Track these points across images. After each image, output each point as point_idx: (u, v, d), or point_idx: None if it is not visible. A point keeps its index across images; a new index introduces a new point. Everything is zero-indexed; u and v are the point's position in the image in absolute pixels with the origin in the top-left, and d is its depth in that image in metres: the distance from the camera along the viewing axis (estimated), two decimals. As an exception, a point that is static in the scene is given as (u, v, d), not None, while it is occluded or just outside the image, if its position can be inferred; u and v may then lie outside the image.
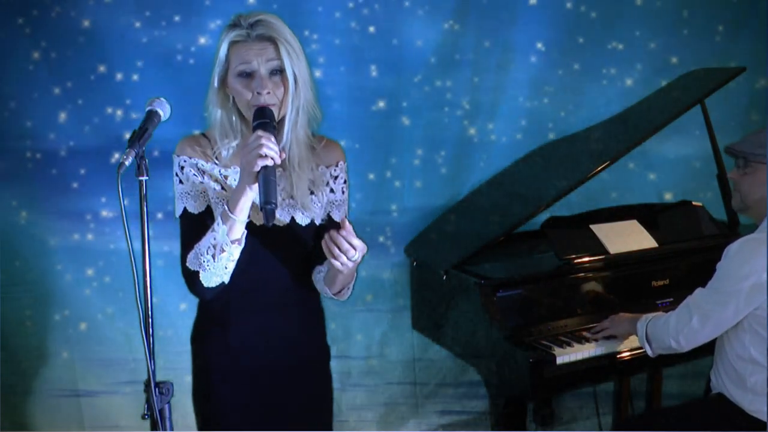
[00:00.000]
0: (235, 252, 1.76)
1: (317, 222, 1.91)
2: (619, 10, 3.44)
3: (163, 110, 1.66)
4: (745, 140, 2.36)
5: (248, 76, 1.76)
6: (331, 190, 1.94)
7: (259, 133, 1.67)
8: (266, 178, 1.65)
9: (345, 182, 1.96)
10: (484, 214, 3.00)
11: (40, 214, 3.28)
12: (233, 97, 1.82)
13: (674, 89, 3.15)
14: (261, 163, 1.64)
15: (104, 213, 3.28)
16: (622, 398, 3.21)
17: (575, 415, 3.58)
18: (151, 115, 1.64)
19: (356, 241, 1.67)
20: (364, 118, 3.38)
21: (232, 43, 1.77)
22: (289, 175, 1.86)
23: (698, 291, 2.29)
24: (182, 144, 1.87)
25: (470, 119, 3.42)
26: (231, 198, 1.73)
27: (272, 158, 1.65)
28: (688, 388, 3.46)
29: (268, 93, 1.75)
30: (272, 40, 1.76)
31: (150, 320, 1.58)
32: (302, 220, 1.88)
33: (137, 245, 1.56)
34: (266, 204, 1.63)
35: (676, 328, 2.27)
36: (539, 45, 3.42)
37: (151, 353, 1.57)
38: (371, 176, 3.41)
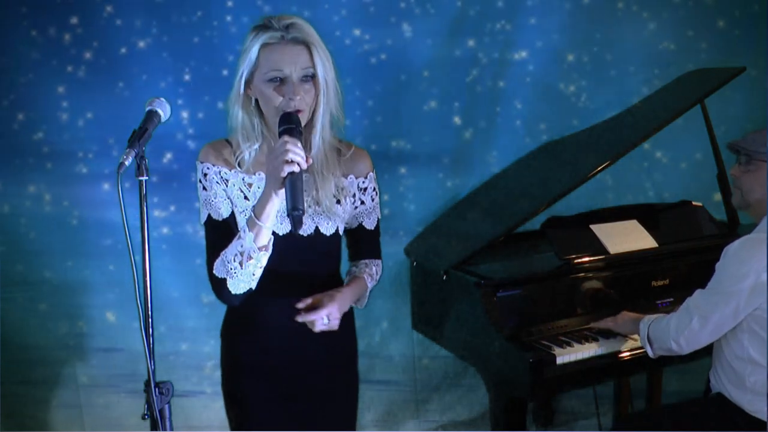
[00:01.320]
0: (262, 259, 1.75)
1: (341, 231, 1.94)
2: (669, 11, 3.45)
3: (163, 110, 1.66)
4: (748, 137, 2.35)
5: (280, 81, 1.74)
6: (362, 202, 1.97)
7: (286, 138, 1.65)
8: (293, 184, 1.63)
9: (375, 190, 1.99)
10: (484, 214, 3.00)
11: (91, 214, 3.31)
12: (255, 100, 1.80)
13: (674, 89, 3.15)
14: (288, 168, 1.63)
15: (156, 213, 3.32)
16: (622, 398, 3.22)
17: (575, 415, 3.58)
18: (151, 115, 1.64)
19: (322, 312, 1.81)
20: (417, 118, 3.41)
21: (264, 46, 1.74)
22: (314, 180, 1.85)
23: (698, 292, 2.29)
24: (205, 150, 1.86)
25: (522, 119, 3.43)
26: (257, 204, 1.72)
27: (298, 164, 1.64)
28: (687, 388, 3.45)
29: (300, 99, 1.74)
30: (306, 44, 1.74)
31: (150, 320, 1.58)
32: (327, 229, 1.88)
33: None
34: (293, 210, 1.62)
35: (676, 330, 2.26)
36: (593, 47, 3.43)
37: (151, 353, 1.57)
38: (425, 175, 3.43)
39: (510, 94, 3.44)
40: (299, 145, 1.66)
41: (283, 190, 1.66)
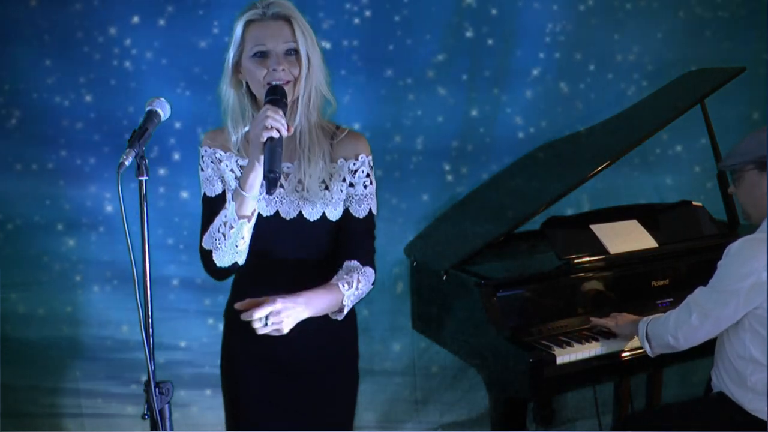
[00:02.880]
0: (244, 229, 1.76)
1: (332, 218, 1.88)
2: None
3: (163, 110, 1.67)
4: (729, 154, 2.37)
5: (263, 55, 1.78)
6: (351, 185, 1.89)
7: (267, 106, 1.70)
8: (272, 149, 1.66)
9: (368, 176, 1.90)
10: (484, 214, 2.99)
11: (152, 214, 3.34)
12: (246, 83, 1.83)
13: (674, 89, 3.15)
14: (266, 134, 1.66)
15: None
16: (622, 398, 3.21)
17: (575, 415, 3.58)
18: (151, 115, 1.64)
19: (258, 312, 1.65)
20: (480, 119, 3.45)
21: (248, 23, 1.78)
22: (300, 164, 1.85)
23: (699, 290, 2.30)
24: (206, 136, 1.93)
25: (583, 120, 3.45)
26: (242, 175, 1.75)
27: (278, 129, 1.67)
28: (688, 388, 3.45)
29: (283, 70, 1.76)
30: (287, 20, 1.78)
31: (150, 320, 1.58)
32: (311, 215, 1.87)
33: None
34: (269, 173, 1.65)
35: (675, 325, 2.27)
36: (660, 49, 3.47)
37: (151, 353, 1.57)
38: (485, 175, 3.45)
39: (574, 95, 3.48)
40: (280, 113, 1.69)
41: (263, 157, 1.68)
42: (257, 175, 1.72)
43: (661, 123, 2.78)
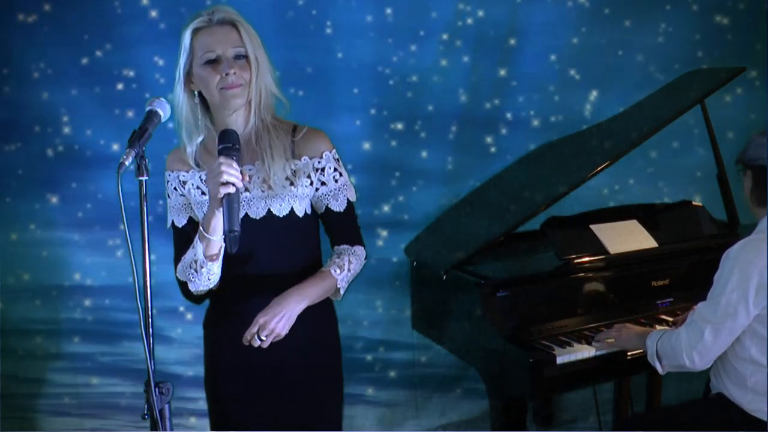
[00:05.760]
0: (213, 267, 1.83)
1: (299, 213, 1.91)
2: None
3: (163, 110, 1.67)
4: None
5: (214, 61, 1.81)
6: (322, 183, 1.93)
7: (221, 159, 1.71)
8: (229, 206, 1.69)
9: (336, 170, 1.94)
10: (484, 214, 3.00)
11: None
12: (198, 93, 1.86)
13: (674, 89, 3.15)
14: (224, 190, 1.69)
15: None
16: (622, 398, 3.21)
17: (575, 415, 3.58)
18: (151, 115, 1.64)
19: (252, 329, 1.81)
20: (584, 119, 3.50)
21: (195, 31, 1.82)
22: (262, 163, 1.88)
23: (702, 305, 2.25)
24: (169, 159, 1.96)
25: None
26: (204, 219, 1.80)
27: (233, 184, 1.69)
28: (688, 389, 3.45)
29: (235, 74, 1.80)
30: (233, 24, 1.82)
31: (150, 320, 1.58)
32: (279, 211, 1.89)
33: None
34: (229, 232, 1.70)
35: (689, 345, 2.22)
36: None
37: (151, 353, 1.57)
38: None
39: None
40: (234, 165, 1.71)
41: (219, 211, 1.73)
42: (219, 221, 1.76)
43: (661, 123, 2.77)
